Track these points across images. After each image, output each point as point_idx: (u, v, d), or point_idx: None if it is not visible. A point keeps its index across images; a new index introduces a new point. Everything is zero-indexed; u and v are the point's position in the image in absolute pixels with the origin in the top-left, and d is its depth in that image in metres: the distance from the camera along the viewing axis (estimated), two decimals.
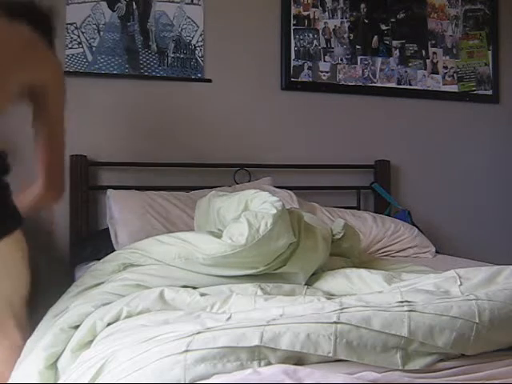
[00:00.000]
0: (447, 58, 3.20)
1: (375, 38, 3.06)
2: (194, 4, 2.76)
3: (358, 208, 2.90)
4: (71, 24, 2.58)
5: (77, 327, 1.34)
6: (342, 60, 3.00)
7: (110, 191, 2.43)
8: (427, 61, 3.16)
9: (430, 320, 1.03)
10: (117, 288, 1.48)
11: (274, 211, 1.51)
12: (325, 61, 2.96)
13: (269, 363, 0.97)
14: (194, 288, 1.46)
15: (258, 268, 1.50)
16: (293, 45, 2.91)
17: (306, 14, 2.93)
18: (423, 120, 3.16)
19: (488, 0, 3.27)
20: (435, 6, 3.17)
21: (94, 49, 2.61)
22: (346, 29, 3.00)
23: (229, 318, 1.16)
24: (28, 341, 1.50)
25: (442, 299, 1.11)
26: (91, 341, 1.27)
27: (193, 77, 2.76)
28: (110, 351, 1.08)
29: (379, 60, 3.06)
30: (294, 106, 2.93)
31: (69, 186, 2.53)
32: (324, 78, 2.97)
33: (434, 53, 3.17)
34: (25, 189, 1.50)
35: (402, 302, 1.11)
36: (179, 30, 2.74)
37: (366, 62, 3.04)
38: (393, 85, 3.09)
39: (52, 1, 2.52)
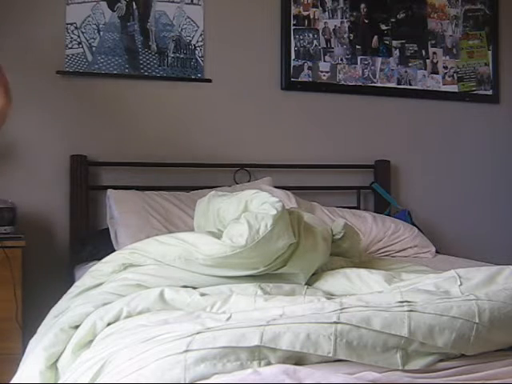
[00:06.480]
0: (447, 58, 3.20)
1: (375, 37, 3.06)
2: (194, 4, 2.76)
3: (358, 208, 2.90)
4: (71, 24, 2.58)
5: (77, 327, 1.34)
6: (342, 60, 2.99)
7: (110, 191, 2.43)
8: (427, 61, 3.15)
9: (430, 320, 1.03)
10: (117, 288, 1.48)
11: (274, 212, 1.51)
12: (325, 61, 2.96)
13: (269, 363, 0.97)
14: (194, 288, 1.46)
15: (258, 268, 1.50)
16: (293, 45, 2.91)
17: (306, 14, 2.93)
18: (423, 120, 3.16)
19: (488, 0, 3.27)
20: (435, 5, 3.17)
21: (94, 49, 2.61)
22: (346, 29, 3.00)
23: (229, 318, 1.16)
24: (30, 341, 1.50)
25: (441, 299, 1.11)
26: (91, 341, 1.27)
27: (193, 77, 2.76)
28: (110, 351, 1.08)
29: (379, 60, 3.06)
30: (294, 105, 2.93)
31: (69, 186, 2.54)
32: (324, 78, 2.96)
33: (434, 53, 3.17)
34: None
35: (402, 302, 1.11)
36: (179, 29, 2.74)
37: (366, 62, 3.04)
38: (393, 85, 3.08)
39: (52, 1, 2.56)
